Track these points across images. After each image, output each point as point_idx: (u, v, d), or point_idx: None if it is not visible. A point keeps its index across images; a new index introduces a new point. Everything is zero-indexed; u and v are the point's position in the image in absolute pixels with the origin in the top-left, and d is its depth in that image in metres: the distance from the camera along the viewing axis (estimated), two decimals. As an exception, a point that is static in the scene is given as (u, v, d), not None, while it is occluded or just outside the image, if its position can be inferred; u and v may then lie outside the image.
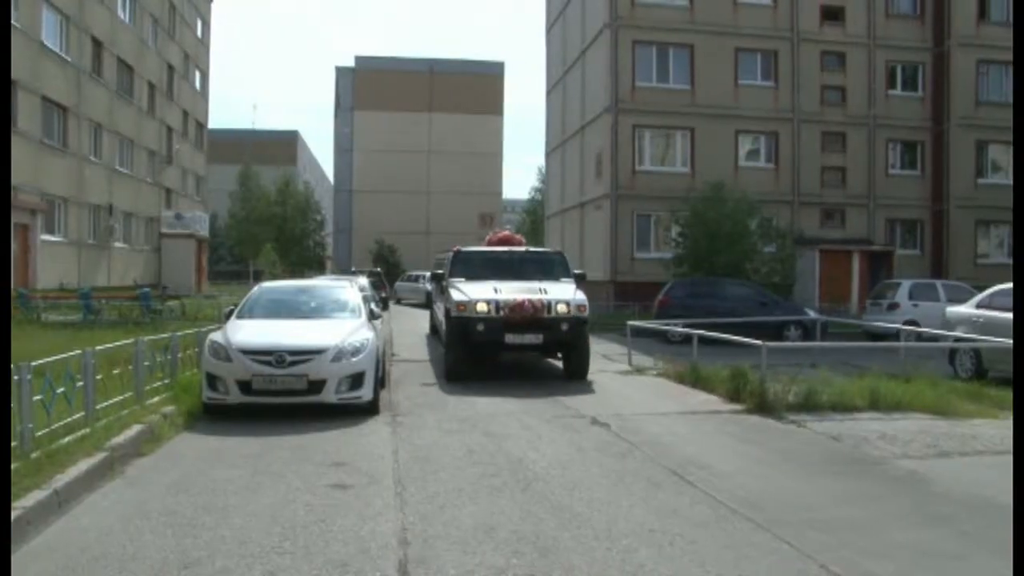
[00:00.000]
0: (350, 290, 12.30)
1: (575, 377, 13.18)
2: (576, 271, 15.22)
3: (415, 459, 7.47)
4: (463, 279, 13.99)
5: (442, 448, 7.96)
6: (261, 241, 53.75)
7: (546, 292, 13.06)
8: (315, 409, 9.29)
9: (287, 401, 9.27)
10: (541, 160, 47.78)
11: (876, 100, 33.60)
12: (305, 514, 5.69)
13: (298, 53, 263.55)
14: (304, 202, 60.74)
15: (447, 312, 13.58)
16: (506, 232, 17.81)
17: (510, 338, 12.60)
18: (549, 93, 43.18)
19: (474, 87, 71.55)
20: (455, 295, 13.20)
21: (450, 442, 8.25)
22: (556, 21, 41.43)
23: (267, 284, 13.19)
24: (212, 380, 9.31)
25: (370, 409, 9.72)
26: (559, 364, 14.30)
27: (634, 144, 31.83)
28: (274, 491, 6.27)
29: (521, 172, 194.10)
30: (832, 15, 33.34)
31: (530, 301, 12.60)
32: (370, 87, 69.51)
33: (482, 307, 12.60)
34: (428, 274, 32.49)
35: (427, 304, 30.52)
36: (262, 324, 10.31)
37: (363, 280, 19.76)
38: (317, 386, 9.23)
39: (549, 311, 12.64)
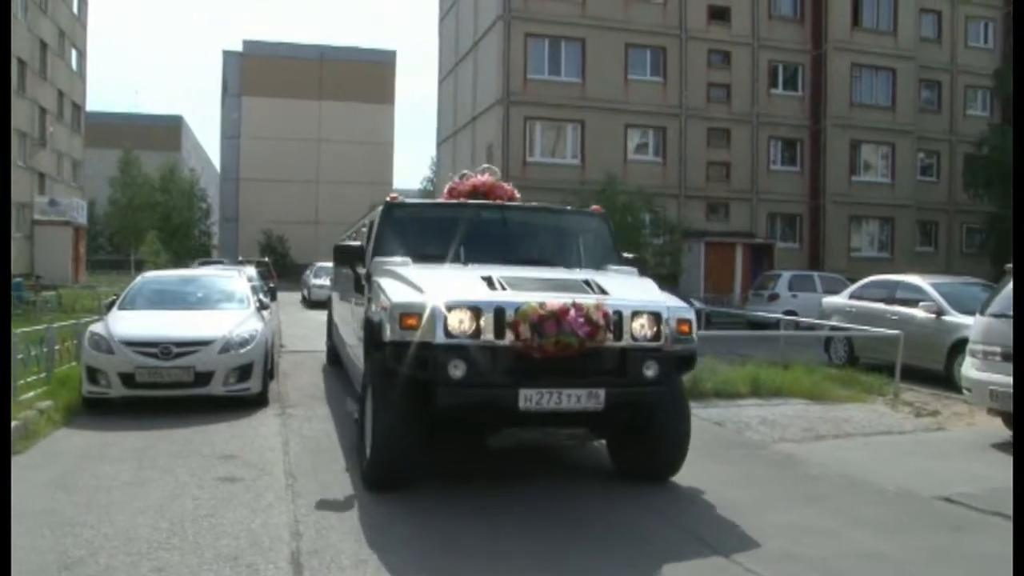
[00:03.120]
0: (238, 280, 11.99)
1: (654, 477, 6.55)
2: (627, 254, 8.14)
3: (306, 450, 7.40)
4: (408, 259, 6.89)
5: (335, 440, 7.89)
6: (143, 230, 51.80)
7: (603, 290, 6.13)
8: (202, 401, 9.04)
9: (173, 394, 9.01)
10: (434, 149, 47.66)
11: (759, 98, 34.81)
12: (194, 508, 5.56)
13: (183, 35, 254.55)
14: (189, 189, 58.81)
15: (371, 331, 6.59)
16: (486, 177, 8.43)
17: (531, 398, 5.55)
18: (441, 83, 43.07)
19: (365, 75, 70.57)
20: (394, 293, 5.98)
21: (342, 433, 8.17)
22: (449, 11, 41.33)
23: (150, 274, 12.78)
24: (93, 373, 8.96)
25: (259, 401, 9.55)
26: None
27: (525, 136, 32.12)
28: (161, 486, 6.10)
29: (414, 161, 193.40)
30: (718, 15, 34.37)
31: (579, 309, 5.57)
32: (258, 72, 67.73)
33: (461, 321, 5.54)
34: (320, 264, 31.42)
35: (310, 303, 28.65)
36: (146, 315, 9.99)
37: (251, 270, 19.28)
38: (204, 378, 9.00)
39: (619, 333, 5.73)
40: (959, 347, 10.80)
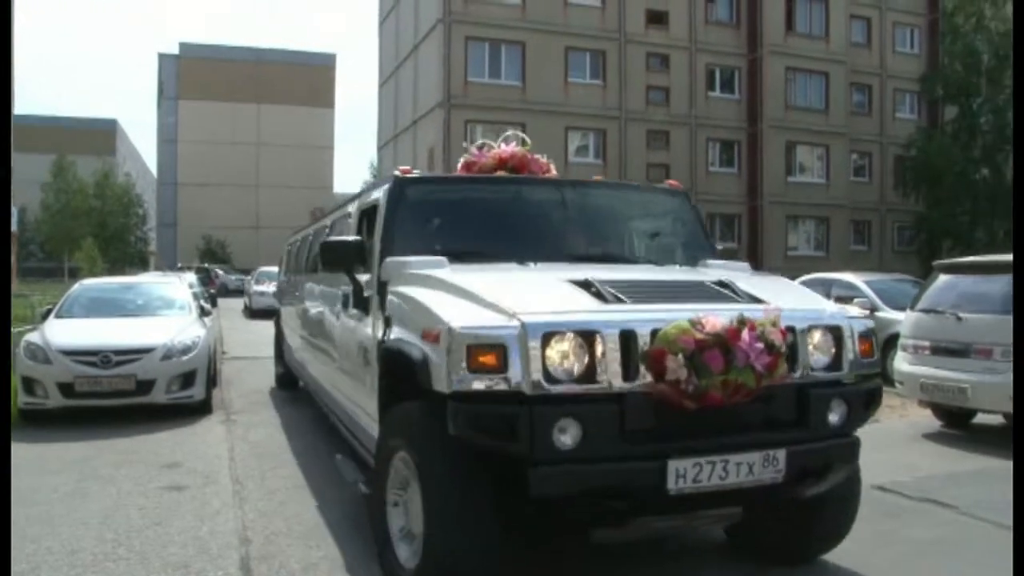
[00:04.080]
0: (178, 286, 11.88)
1: (804, 557, 4.68)
2: (722, 244, 6.50)
3: (253, 456, 7.35)
4: (442, 259, 4.65)
5: (280, 445, 7.86)
6: (77, 236, 50.72)
7: (752, 296, 4.12)
8: (145, 410, 8.92)
9: (114, 403, 8.84)
10: (374, 153, 47.53)
11: (697, 101, 35.39)
12: (139, 518, 5.49)
13: (117, 36, 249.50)
14: (125, 195, 57.77)
15: (397, 371, 4.24)
16: (513, 147, 6.16)
17: (685, 473, 3.59)
18: (381, 86, 42.96)
19: (304, 78, 70.08)
20: (449, 312, 3.76)
21: (288, 439, 8.14)
22: (389, 14, 41.23)
23: (88, 281, 12.54)
24: (29, 384, 8.76)
25: (203, 408, 9.45)
26: None
27: (466, 139, 32.10)
28: (104, 496, 6.02)
29: (354, 166, 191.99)
30: (657, 19, 34.88)
31: (752, 329, 3.62)
32: (195, 75, 66.80)
33: (566, 354, 3.53)
34: (261, 270, 30.89)
35: (252, 312, 27.07)
36: (84, 323, 9.81)
37: (191, 276, 19.04)
38: (146, 386, 8.86)
39: (793, 363, 3.85)
40: (891, 342, 11.13)
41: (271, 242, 50.23)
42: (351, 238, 5.30)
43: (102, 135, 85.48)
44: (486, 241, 5.18)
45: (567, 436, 3.43)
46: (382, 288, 4.76)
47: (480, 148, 6.12)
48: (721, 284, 4.28)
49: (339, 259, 5.13)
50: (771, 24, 35.93)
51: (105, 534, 5.17)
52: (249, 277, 32.65)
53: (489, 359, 3.48)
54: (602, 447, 3.48)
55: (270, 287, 23.18)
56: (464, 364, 3.49)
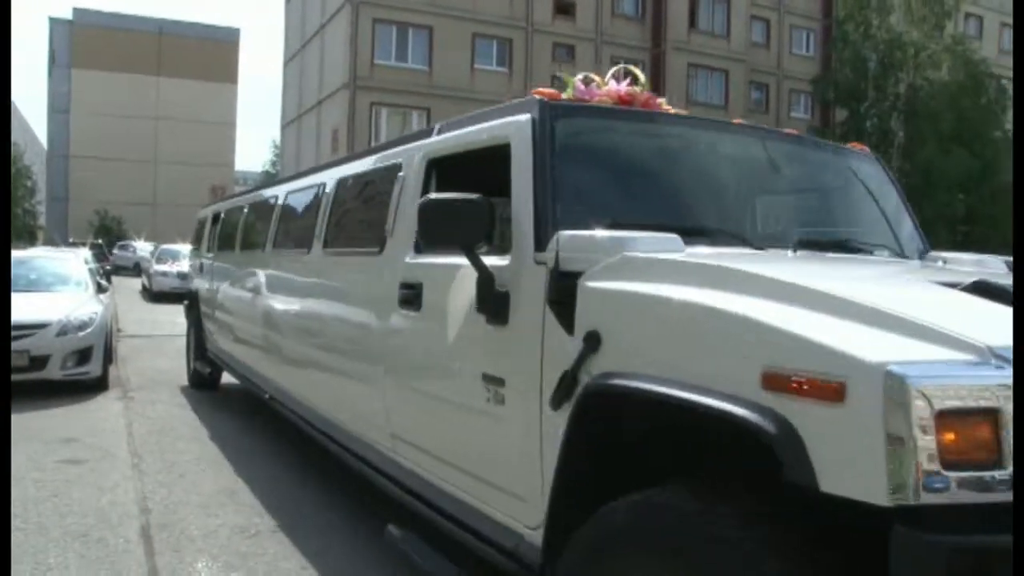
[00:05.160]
0: (74, 262, 11.70)
1: None
2: None
3: (151, 432, 7.41)
4: (672, 238, 2.79)
5: (180, 420, 7.94)
6: (-42, 208, 48.39)
7: None
8: (39, 387, 8.81)
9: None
10: (277, 133, 46.78)
11: (601, 93, 36.13)
12: (36, 491, 5.53)
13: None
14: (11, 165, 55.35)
15: (605, 428, 2.56)
16: (627, 84, 4.06)
17: None
18: (287, 65, 42.37)
19: (207, 52, 68.24)
20: (830, 334, 1.93)
21: (186, 415, 8.23)
22: (296, -8, 40.68)
23: (-24, 255, 12.20)
24: (-89, 360, 8.57)
25: (99, 385, 9.39)
26: None
27: (371, 122, 32.15)
28: (-2, 469, 6.05)
29: (257, 145, 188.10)
30: (564, 10, 35.44)
31: None
32: (91, 44, 64.25)
33: None
34: (151, 249, 29.96)
35: (153, 295, 24.57)
36: (-28, 298, 9.62)
37: (86, 252, 18.57)
38: (40, 362, 8.78)
39: None
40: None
41: (168, 219, 49.03)
42: (473, 196, 3.06)
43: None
44: (684, 211, 3.49)
45: None
46: (563, 280, 2.81)
47: (587, 84, 4.14)
48: None
49: (455, 231, 3.07)
50: (675, 20, 36.91)
51: (1, 506, 5.23)
52: (148, 255, 31.58)
53: (977, 435, 1.80)
54: None
55: (174, 267, 22.54)
56: (933, 447, 1.75)
